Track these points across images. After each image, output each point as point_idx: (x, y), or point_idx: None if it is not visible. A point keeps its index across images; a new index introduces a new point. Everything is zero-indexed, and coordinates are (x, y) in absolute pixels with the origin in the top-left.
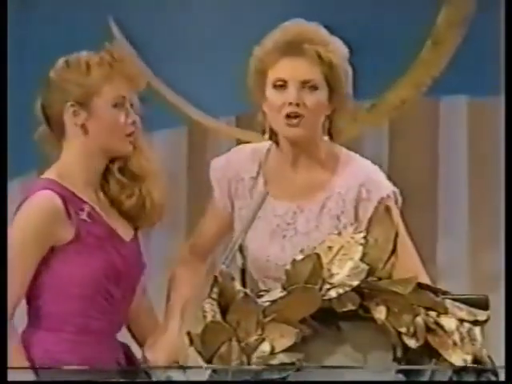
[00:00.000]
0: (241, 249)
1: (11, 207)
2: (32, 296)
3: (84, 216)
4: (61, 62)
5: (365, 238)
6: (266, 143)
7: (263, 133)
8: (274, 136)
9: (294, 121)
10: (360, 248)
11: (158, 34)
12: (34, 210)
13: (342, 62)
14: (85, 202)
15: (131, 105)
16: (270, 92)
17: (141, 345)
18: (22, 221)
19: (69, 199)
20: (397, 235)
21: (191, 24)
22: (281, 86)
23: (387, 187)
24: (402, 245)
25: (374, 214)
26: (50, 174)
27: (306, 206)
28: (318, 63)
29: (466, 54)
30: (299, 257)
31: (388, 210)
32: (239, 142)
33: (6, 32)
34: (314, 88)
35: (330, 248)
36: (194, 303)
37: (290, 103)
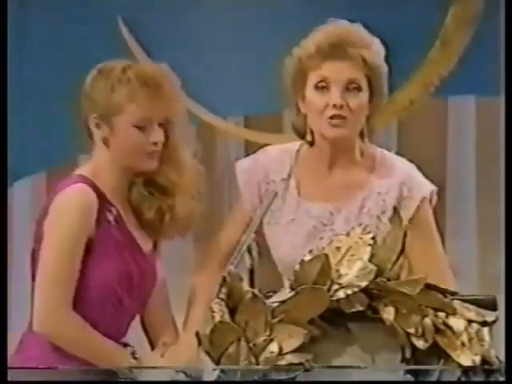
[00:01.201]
0: (249, 249)
1: (19, 206)
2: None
3: (111, 218)
4: (96, 70)
5: (373, 238)
6: (295, 144)
7: (300, 134)
8: (309, 136)
9: (338, 121)
10: (368, 248)
11: (166, 34)
12: (73, 202)
13: (383, 62)
14: (113, 205)
15: (161, 124)
16: (310, 93)
17: (151, 340)
18: (63, 216)
19: (101, 197)
20: (405, 235)
21: (200, 24)
22: (323, 87)
23: (428, 186)
24: (430, 249)
25: (416, 213)
26: (82, 170)
27: (343, 207)
28: (362, 66)
29: (474, 54)
30: (307, 257)
31: (395, 210)
32: (247, 143)
33: (5, 32)
34: (358, 90)
35: (338, 248)
36: None
37: (334, 105)
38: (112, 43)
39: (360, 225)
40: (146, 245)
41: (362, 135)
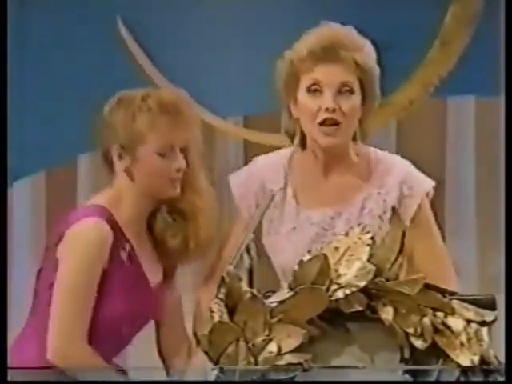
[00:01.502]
0: (248, 249)
1: (18, 206)
2: (47, 304)
3: (123, 255)
4: (115, 100)
5: (372, 238)
6: (286, 151)
7: (292, 137)
8: (301, 139)
9: (330, 129)
10: (367, 248)
11: (166, 34)
12: (90, 236)
13: (374, 64)
14: (127, 241)
15: (182, 150)
16: (303, 96)
17: (167, 365)
18: (78, 249)
19: (116, 231)
20: (404, 235)
21: (200, 24)
22: (316, 90)
23: (428, 181)
24: (432, 246)
25: (418, 211)
26: (101, 199)
27: (343, 210)
28: (355, 69)
29: (474, 54)
30: (306, 257)
31: (394, 210)
32: (247, 143)
33: (5, 32)
34: (350, 93)
35: (337, 249)
36: None
37: (327, 109)
38: (111, 43)
39: (359, 225)
40: (155, 277)
41: (354, 137)
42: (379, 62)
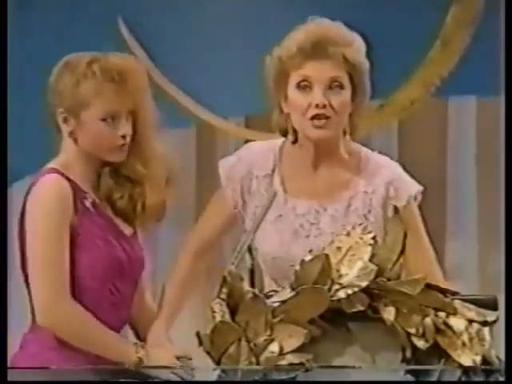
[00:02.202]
0: (249, 249)
1: (18, 207)
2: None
3: (88, 204)
4: (62, 64)
5: (374, 238)
6: (278, 141)
7: (283, 132)
8: (293, 135)
9: (321, 122)
10: (369, 248)
11: (166, 34)
12: (48, 192)
13: (364, 59)
14: (86, 193)
15: (129, 117)
16: (292, 92)
17: (138, 334)
18: (41, 205)
19: (74, 186)
20: (405, 236)
21: (201, 24)
22: (305, 86)
23: (414, 185)
24: (421, 246)
25: (402, 213)
26: (53, 164)
27: (329, 206)
28: (344, 64)
29: (474, 54)
30: (308, 257)
31: (396, 210)
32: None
33: (5, 32)
34: (340, 88)
35: (338, 248)
36: (185, 303)
37: (317, 105)
38: (112, 43)
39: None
40: (126, 229)
41: (344, 133)
42: (381, 62)
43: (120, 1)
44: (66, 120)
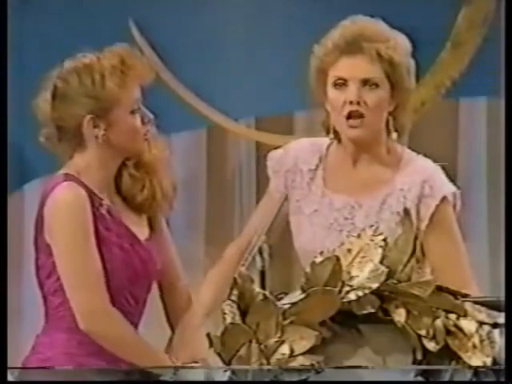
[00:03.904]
0: (260, 251)
1: (29, 206)
2: (51, 294)
3: (104, 211)
4: (67, 71)
5: (384, 240)
6: (327, 139)
7: (327, 132)
8: (336, 134)
9: (356, 122)
10: (379, 250)
11: (177, 36)
12: (67, 200)
13: (404, 57)
14: (102, 199)
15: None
16: (330, 91)
17: (171, 323)
18: (64, 218)
19: (89, 193)
20: (416, 237)
21: (211, 25)
22: (341, 84)
23: (450, 186)
24: (456, 253)
25: (434, 214)
26: (66, 170)
27: (365, 202)
28: (378, 61)
29: (485, 55)
30: (318, 259)
31: (407, 212)
32: (258, 145)
33: (5, 32)
34: (375, 86)
35: (349, 250)
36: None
37: (351, 102)
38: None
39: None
40: (142, 233)
41: (395, 131)
42: None
43: (131, 2)
44: (96, 124)
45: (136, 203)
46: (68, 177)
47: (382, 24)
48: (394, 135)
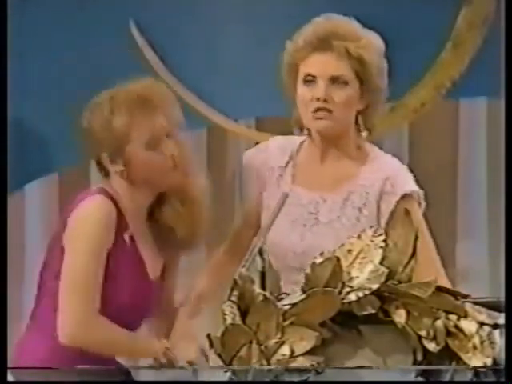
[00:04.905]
0: (261, 252)
1: (30, 208)
2: (48, 296)
3: (126, 237)
4: (90, 109)
5: (385, 241)
6: (301, 137)
7: (300, 129)
8: (308, 131)
9: (322, 113)
10: (380, 251)
11: (177, 36)
12: (95, 213)
13: (375, 57)
14: (128, 225)
15: (169, 135)
16: (300, 87)
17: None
18: (86, 224)
19: (118, 214)
20: (417, 238)
21: (211, 26)
22: (310, 81)
23: (412, 185)
24: (424, 247)
25: (395, 210)
26: (103, 185)
27: (329, 197)
28: (347, 59)
29: (486, 56)
30: (319, 260)
31: (408, 212)
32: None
33: (5, 32)
34: (344, 84)
35: (349, 251)
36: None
37: (318, 98)
38: (123, 45)
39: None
40: (153, 271)
41: (364, 130)
42: (392, 64)
43: (131, 3)
44: (113, 161)
45: (172, 237)
46: (103, 191)
47: (356, 23)
48: (364, 133)
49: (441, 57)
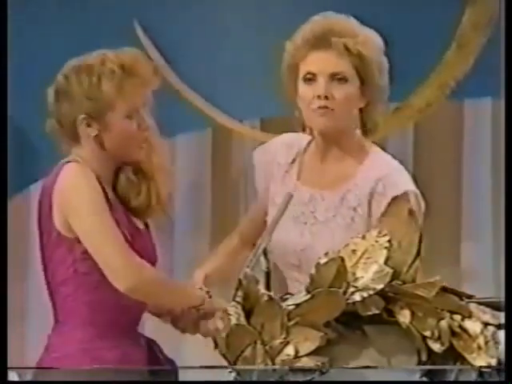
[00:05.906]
0: (265, 252)
1: (35, 207)
2: (60, 284)
3: (110, 196)
4: (70, 69)
5: (389, 241)
6: (309, 136)
7: (302, 129)
8: (311, 130)
9: (323, 111)
10: (384, 251)
11: (182, 37)
12: (79, 175)
13: (374, 53)
14: (105, 187)
15: (145, 105)
16: (301, 86)
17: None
18: (77, 187)
19: (97, 176)
20: (421, 238)
21: (216, 26)
22: (310, 79)
23: (405, 186)
24: None
25: (386, 211)
26: (70, 158)
27: (328, 196)
28: (347, 55)
29: (490, 56)
30: (323, 260)
31: (412, 212)
32: None
33: (5, 32)
34: (344, 81)
35: (354, 251)
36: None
37: (319, 96)
38: (128, 45)
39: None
40: (139, 224)
41: (365, 128)
42: (397, 65)
43: (136, 2)
44: (89, 124)
45: (130, 207)
46: (74, 160)
47: (352, 20)
48: (364, 132)
49: (445, 57)
